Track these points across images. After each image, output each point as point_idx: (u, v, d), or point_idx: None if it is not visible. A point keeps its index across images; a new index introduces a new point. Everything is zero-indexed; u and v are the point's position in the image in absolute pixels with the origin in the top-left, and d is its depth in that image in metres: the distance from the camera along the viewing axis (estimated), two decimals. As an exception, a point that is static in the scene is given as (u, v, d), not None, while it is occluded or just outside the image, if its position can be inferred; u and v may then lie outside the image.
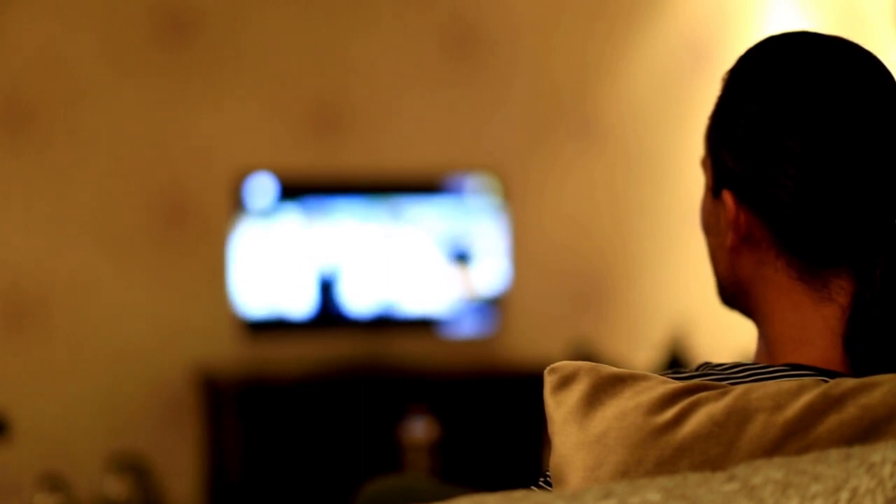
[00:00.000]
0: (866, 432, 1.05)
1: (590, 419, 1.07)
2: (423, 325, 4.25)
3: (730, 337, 3.89)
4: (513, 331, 4.40)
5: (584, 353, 4.24)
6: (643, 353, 4.49)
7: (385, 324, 4.21)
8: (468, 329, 4.27)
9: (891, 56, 4.61)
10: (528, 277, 4.46)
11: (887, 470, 0.94)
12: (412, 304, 4.23)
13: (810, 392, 1.06)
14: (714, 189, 1.24)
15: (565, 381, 1.10)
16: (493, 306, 4.29)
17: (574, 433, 1.07)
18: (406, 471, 3.66)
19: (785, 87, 1.18)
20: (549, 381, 1.11)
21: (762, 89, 1.19)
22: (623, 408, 1.07)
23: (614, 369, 1.10)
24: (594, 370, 1.10)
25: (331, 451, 3.94)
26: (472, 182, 4.29)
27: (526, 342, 4.41)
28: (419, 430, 3.74)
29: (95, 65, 4.09)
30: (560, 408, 1.09)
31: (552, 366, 1.12)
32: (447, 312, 4.25)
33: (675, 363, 4.17)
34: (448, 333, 4.27)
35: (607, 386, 1.09)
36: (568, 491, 0.96)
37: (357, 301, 4.18)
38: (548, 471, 1.12)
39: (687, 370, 1.17)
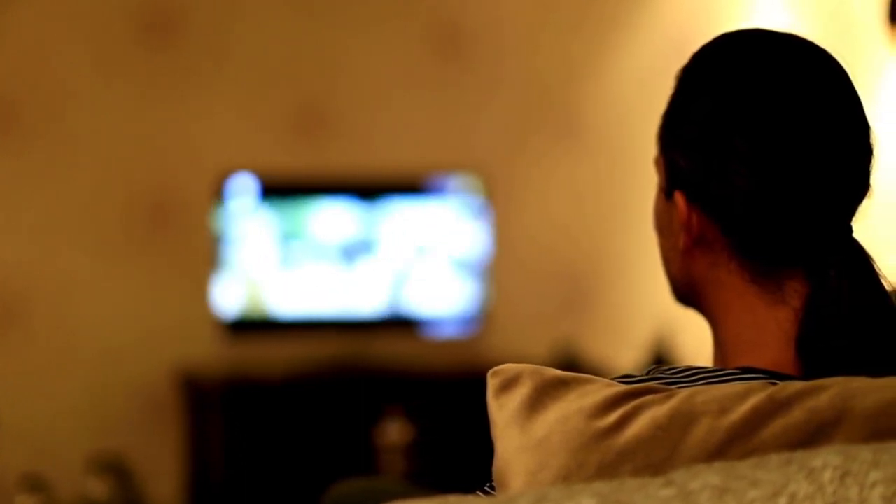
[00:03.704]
0: (812, 436, 1.03)
1: (532, 423, 1.05)
2: (406, 326, 4.23)
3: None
4: (496, 332, 4.39)
5: (568, 354, 4.23)
6: (627, 353, 4.47)
7: (367, 324, 4.19)
8: (451, 330, 4.26)
9: (879, 53, 4.61)
10: (512, 278, 4.44)
11: (827, 475, 0.92)
12: (395, 305, 4.21)
13: (756, 395, 1.05)
14: (666, 190, 1.22)
15: (508, 384, 1.08)
16: (477, 307, 4.27)
17: (516, 437, 1.05)
18: (382, 472, 3.65)
19: (735, 86, 1.16)
20: (491, 384, 1.10)
21: (713, 88, 1.18)
22: (566, 411, 1.05)
23: (558, 372, 1.09)
24: (537, 373, 1.08)
25: (313, 452, 3.93)
26: (455, 182, 4.27)
27: (509, 343, 4.39)
28: (396, 431, 3.72)
29: (80, 66, 4.07)
30: (502, 411, 1.07)
31: (495, 369, 1.10)
32: (430, 313, 4.23)
33: (658, 364, 4.15)
34: (431, 334, 4.25)
35: (550, 389, 1.07)
36: (503, 496, 0.94)
37: (339, 302, 4.16)
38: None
39: (637, 375, 1.16)
